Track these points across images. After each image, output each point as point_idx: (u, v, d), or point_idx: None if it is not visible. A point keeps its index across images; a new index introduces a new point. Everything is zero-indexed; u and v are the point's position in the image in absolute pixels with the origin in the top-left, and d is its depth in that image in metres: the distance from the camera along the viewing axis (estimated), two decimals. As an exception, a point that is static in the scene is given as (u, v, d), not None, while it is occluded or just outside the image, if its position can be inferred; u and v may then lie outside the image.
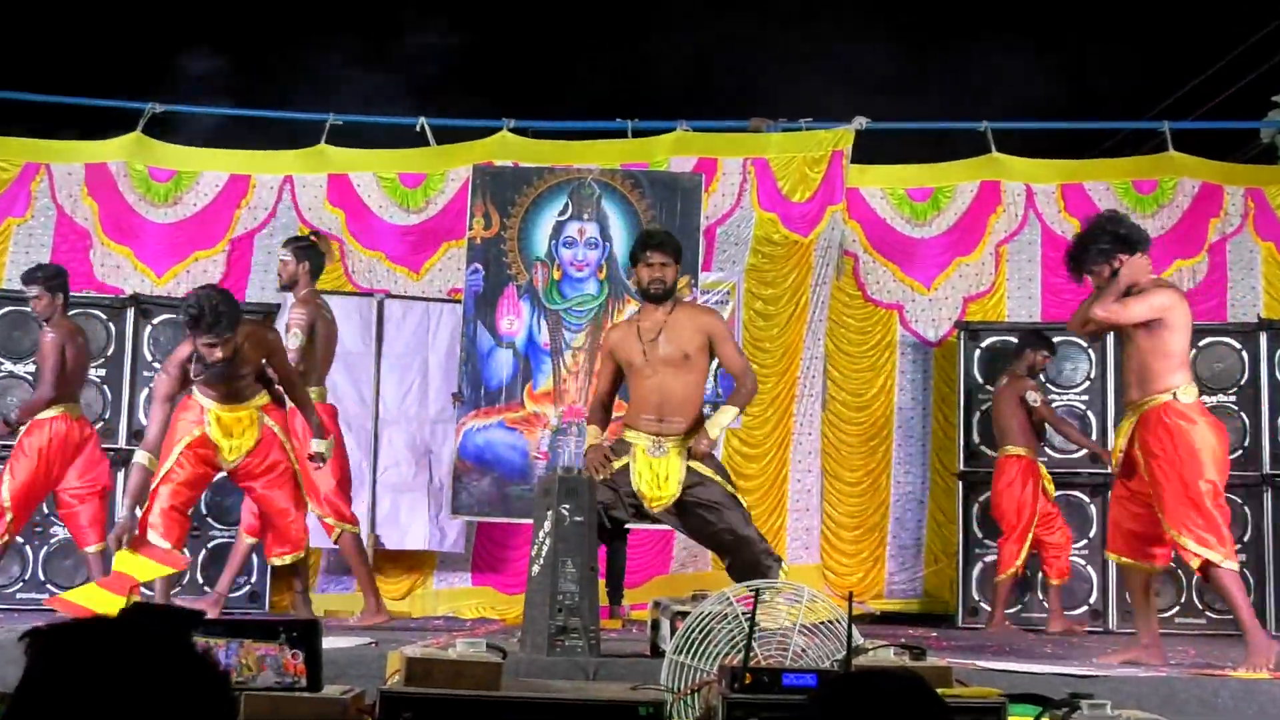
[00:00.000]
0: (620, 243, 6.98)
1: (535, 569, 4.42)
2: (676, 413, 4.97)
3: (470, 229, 7.06)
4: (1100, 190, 8.15)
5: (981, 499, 7.29)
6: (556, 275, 7.01)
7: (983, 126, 8.18)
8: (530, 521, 4.98)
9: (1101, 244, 4.95)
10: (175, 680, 1.41)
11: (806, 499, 8.01)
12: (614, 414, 5.27)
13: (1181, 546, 4.70)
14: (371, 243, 7.94)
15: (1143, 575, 4.95)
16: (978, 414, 7.42)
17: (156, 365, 7.11)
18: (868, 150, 8.11)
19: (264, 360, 5.42)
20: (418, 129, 8.11)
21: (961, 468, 7.49)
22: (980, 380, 7.43)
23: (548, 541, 4.35)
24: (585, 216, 7.05)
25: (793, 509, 7.95)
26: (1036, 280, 8.11)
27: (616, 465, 4.86)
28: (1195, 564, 4.70)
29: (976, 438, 7.45)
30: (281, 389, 5.51)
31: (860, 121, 7.99)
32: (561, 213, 7.05)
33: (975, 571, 7.34)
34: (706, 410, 5.25)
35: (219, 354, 5.18)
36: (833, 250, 8.02)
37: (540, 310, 6.98)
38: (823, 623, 3.45)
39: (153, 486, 5.33)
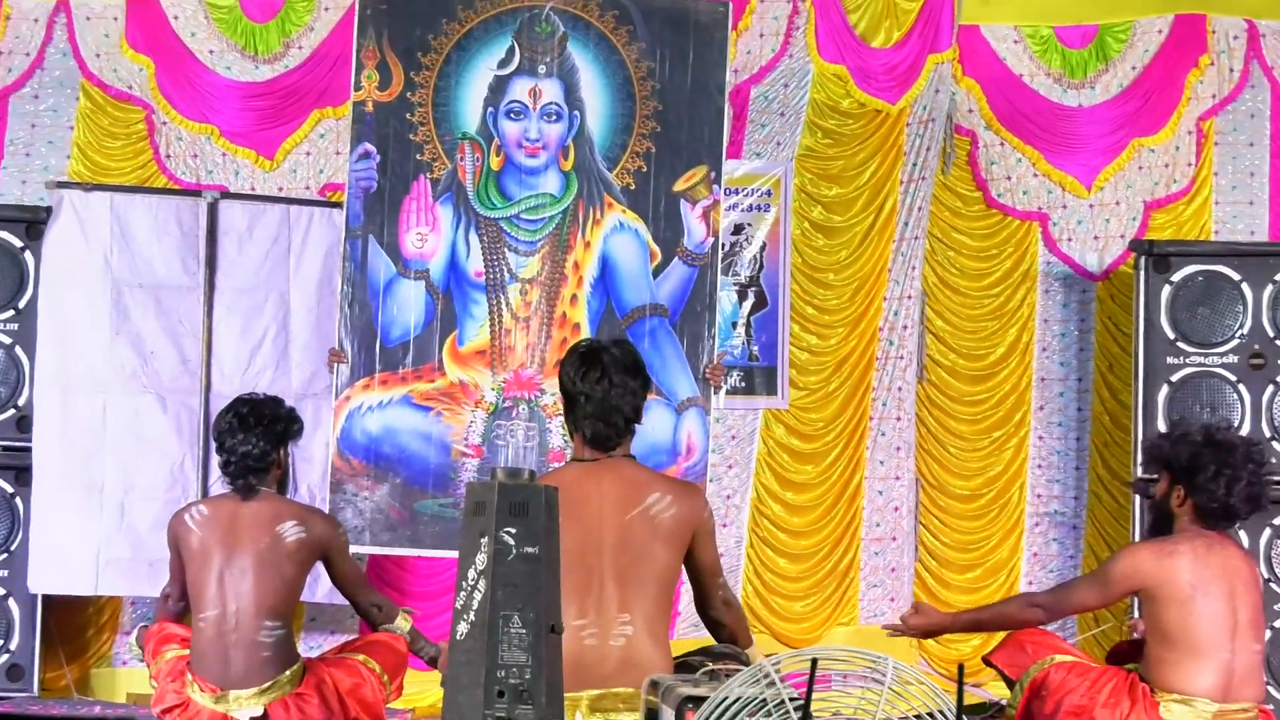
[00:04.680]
0: (598, 112, 7.00)
1: (462, 629, 4.46)
2: None
3: (357, 89, 7.06)
4: (1369, 28, 8.20)
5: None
6: (495, 163, 7.02)
7: (1180, -75, 8.22)
8: (453, 555, 5.01)
9: None
10: None
11: (892, 522, 8.08)
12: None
13: None
14: (198, 110, 7.96)
15: None
16: (1165, 387, 7.46)
17: None
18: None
19: None
20: (272, -73, 8.11)
21: (1139, 473, 7.53)
22: (1170, 334, 7.47)
23: (482, 586, 4.39)
24: (541, 69, 7.05)
25: (870, 538, 8.04)
26: (1263, 175, 8.18)
27: None
28: None
29: (1163, 427, 7.49)
30: None
31: (983, -81, 8.04)
32: (503, 63, 7.06)
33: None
34: None
35: None
36: (936, 126, 8.08)
37: (470, 219, 6.99)
38: (918, 715, 3.50)
39: None
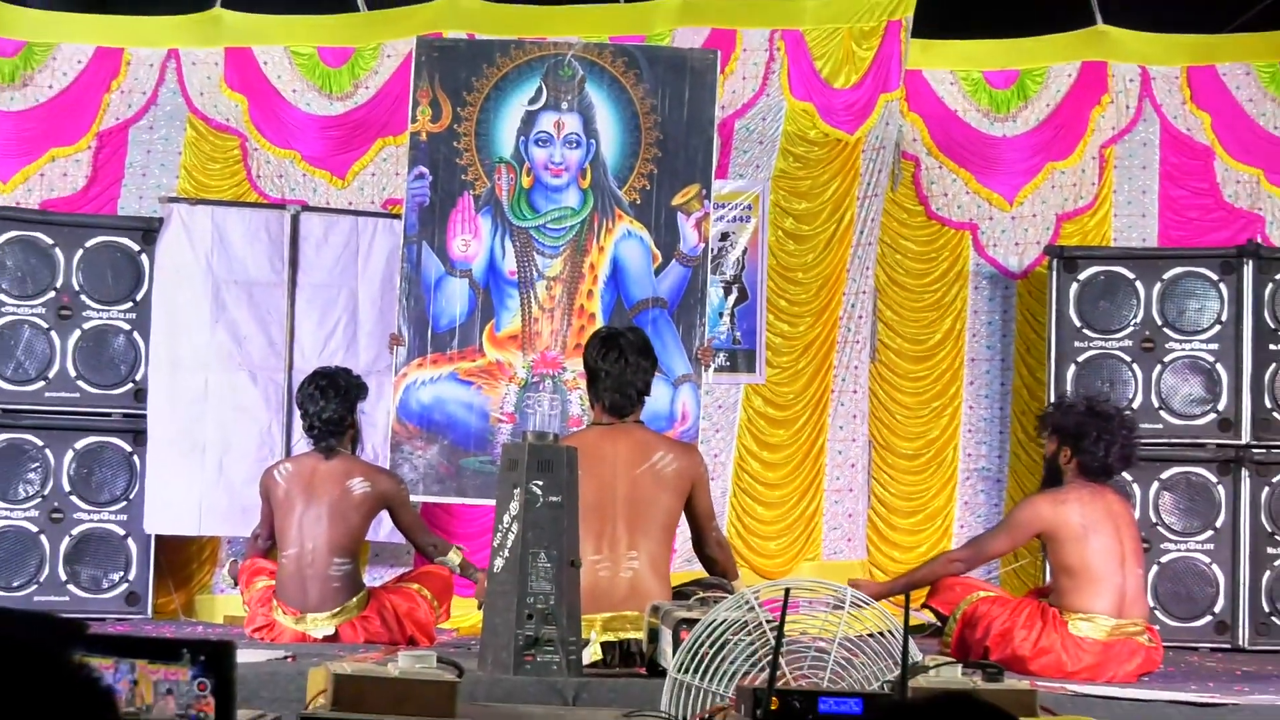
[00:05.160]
0: (610, 141, 6.99)
1: (498, 564, 4.47)
2: None
3: (413, 121, 7.05)
4: (1239, 75, 8.15)
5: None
6: (526, 182, 7.01)
7: (1086, -10, 8.18)
8: (491, 503, 5.01)
9: None
10: (50, 702, 1.43)
11: (849, 476, 8.06)
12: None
13: None
14: (283, 138, 7.94)
15: None
16: (1073, 366, 7.46)
17: (2, 297, 7.19)
18: (934, 20, 8.08)
19: None
20: (343, -12, 8.09)
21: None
22: (1077, 323, 7.47)
23: (514, 528, 4.39)
24: (564, 105, 7.04)
25: (831, 489, 8.01)
26: (1153, 193, 8.14)
27: None
28: None
29: (1071, 399, 7.49)
30: None
31: (925, -18, 7.98)
32: (533, 100, 7.04)
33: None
34: None
35: None
36: (886, 152, 8.01)
37: (505, 228, 6.99)
38: (871, 634, 3.50)
39: None
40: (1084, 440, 5.46)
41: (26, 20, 7.93)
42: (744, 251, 7.97)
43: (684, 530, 5.33)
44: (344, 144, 7.96)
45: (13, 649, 1.47)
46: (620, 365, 5.09)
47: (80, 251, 7.24)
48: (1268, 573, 7.20)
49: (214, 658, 2.64)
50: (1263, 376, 7.30)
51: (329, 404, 5.95)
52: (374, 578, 6.93)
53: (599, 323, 6.78)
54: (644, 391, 5.16)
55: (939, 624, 5.57)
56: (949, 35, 8.26)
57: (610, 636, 4.84)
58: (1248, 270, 7.32)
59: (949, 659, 4.15)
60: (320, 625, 5.83)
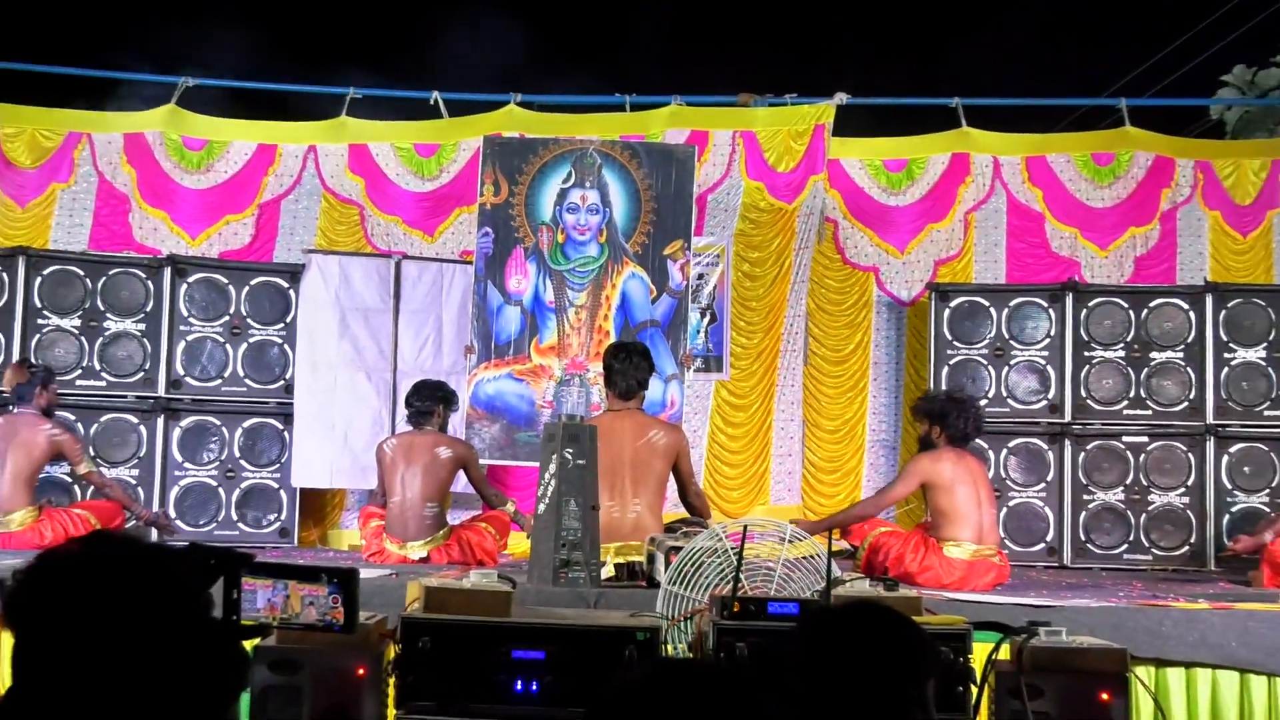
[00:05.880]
0: (619, 209, 7.00)
1: (541, 508, 4.45)
2: None
3: (480, 195, 7.06)
4: (1061, 162, 8.15)
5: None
6: (560, 238, 7.02)
7: (954, 102, 8.16)
8: (536, 465, 4.99)
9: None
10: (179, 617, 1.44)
11: (789, 445, 8.06)
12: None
13: None
14: (389, 208, 7.94)
15: None
16: (946, 368, 7.45)
17: (193, 320, 7.17)
18: (848, 124, 8.09)
19: None
20: (431, 102, 8.09)
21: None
22: (949, 337, 7.46)
23: (552, 483, 4.37)
24: (587, 184, 7.05)
25: (776, 454, 8.01)
26: (1002, 245, 8.14)
27: None
28: None
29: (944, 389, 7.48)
30: None
31: (841, 97, 7.97)
32: (565, 180, 7.05)
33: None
34: None
35: None
36: (814, 217, 8.01)
37: (545, 270, 6.99)
38: (804, 557, 3.49)
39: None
40: (948, 418, 5.44)
41: (208, 125, 7.95)
42: (714, 287, 7.97)
43: (673, 485, 5.32)
44: (432, 212, 7.96)
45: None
46: (627, 364, 5.09)
47: (247, 288, 7.24)
48: (1084, 513, 7.19)
49: (344, 580, 2.63)
50: (1079, 375, 7.28)
51: (421, 398, 5.99)
52: (454, 518, 6.92)
53: (612, 337, 6.78)
54: (643, 384, 5.16)
55: (852, 551, 5.56)
56: (859, 134, 8.27)
57: (620, 559, 4.83)
58: (1069, 300, 7.32)
59: (860, 576, 4.14)
60: (416, 551, 5.82)
